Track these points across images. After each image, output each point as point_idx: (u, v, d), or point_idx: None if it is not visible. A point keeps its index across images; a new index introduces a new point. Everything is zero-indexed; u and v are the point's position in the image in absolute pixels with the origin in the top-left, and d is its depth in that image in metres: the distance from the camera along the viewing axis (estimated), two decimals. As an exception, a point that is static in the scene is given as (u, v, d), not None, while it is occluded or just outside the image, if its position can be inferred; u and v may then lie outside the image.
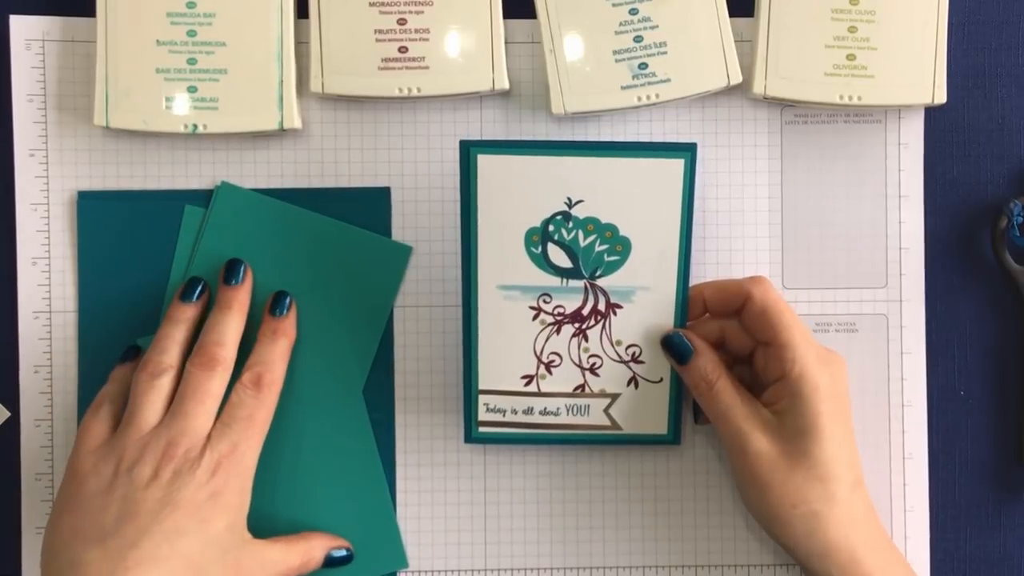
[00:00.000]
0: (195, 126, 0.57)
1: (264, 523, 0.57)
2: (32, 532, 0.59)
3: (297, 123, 0.58)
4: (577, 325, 0.56)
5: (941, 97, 0.58)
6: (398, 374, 0.60)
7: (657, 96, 0.57)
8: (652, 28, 0.57)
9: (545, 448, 0.60)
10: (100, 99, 0.57)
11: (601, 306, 0.56)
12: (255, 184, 0.60)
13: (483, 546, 0.60)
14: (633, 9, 0.57)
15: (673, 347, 0.55)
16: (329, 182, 0.59)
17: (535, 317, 0.56)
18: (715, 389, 0.54)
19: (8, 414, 0.59)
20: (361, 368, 0.59)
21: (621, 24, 0.57)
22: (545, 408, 0.57)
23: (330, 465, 0.59)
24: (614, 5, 0.57)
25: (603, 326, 0.56)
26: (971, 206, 0.61)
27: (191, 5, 0.57)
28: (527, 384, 0.57)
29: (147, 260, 0.59)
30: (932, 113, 0.60)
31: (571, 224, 0.55)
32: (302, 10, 0.58)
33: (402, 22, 0.57)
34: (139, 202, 0.59)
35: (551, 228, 0.55)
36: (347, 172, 0.59)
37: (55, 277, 0.59)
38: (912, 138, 0.60)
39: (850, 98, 0.57)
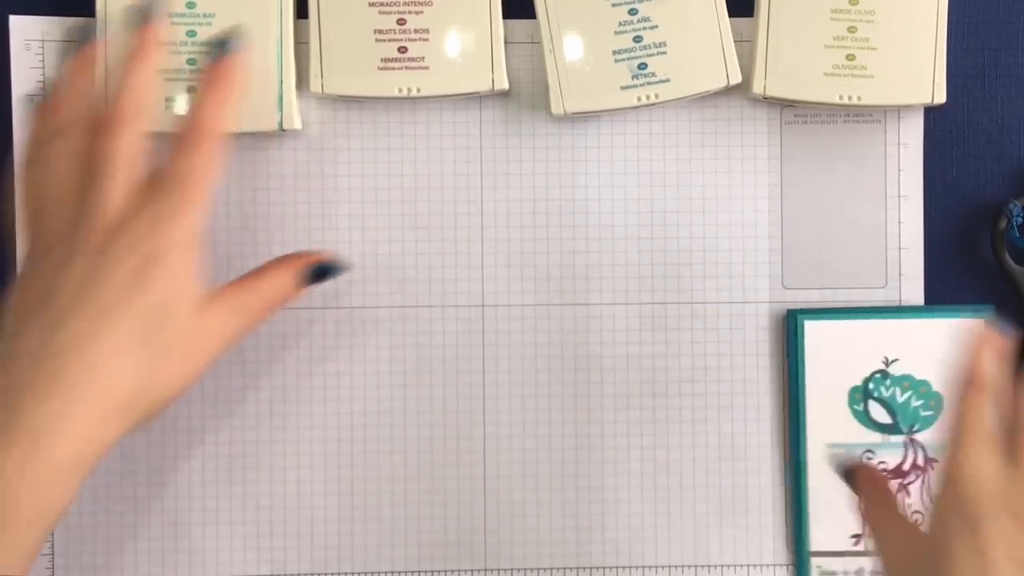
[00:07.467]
0: (195, 126, 0.57)
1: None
2: (32, 532, 0.59)
3: (297, 123, 0.58)
4: (899, 481, 0.57)
5: (941, 97, 0.58)
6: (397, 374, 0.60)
7: (657, 96, 0.57)
8: (652, 28, 0.57)
9: (545, 447, 0.60)
10: (99, 99, 0.57)
11: (920, 460, 0.57)
12: (255, 184, 0.59)
13: (483, 546, 0.60)
14: (633, 9, 0.57)
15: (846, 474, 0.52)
16: (329, 183, 0.59)
17: None
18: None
19: (8, 414, 0.59)
20: (361, 368, 0.59)
21: (621, 24, 0.57)
22: (875, 569, 0.55)
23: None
24: (614, 5, 0.57)
25: (923, 481, 0.57)
26: (971, 206, 0.61)
27: (191, 5, 0.57)
28: (856, 543, 0.57)
29: (147, 260, 0.59)
30: (932, 113, 0.60)
31: (889, 381, 0.57)
32: (302, 10, 0.58)
33: (402, 22, 0.57)
34: (139, 202, 0.59)
35: (871, 386, 0.57)
36: (347, 172, 0.60)
37: (55, 277, 0.59)
38: (912, 138, 0.60)
39: (850, 98, 0.57)
